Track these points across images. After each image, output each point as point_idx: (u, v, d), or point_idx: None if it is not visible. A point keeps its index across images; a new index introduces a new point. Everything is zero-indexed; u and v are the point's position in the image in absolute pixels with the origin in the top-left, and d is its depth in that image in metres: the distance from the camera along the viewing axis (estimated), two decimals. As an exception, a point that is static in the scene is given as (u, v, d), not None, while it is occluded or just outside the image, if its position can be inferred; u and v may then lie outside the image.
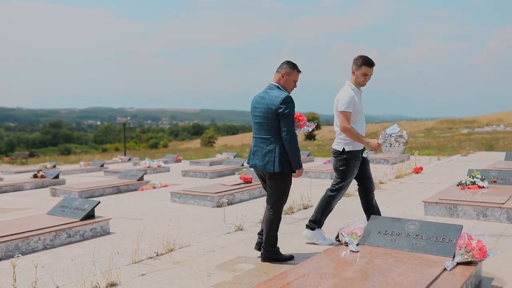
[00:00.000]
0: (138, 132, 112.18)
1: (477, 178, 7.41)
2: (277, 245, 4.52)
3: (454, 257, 3.58)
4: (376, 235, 4.09)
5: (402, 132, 4.70)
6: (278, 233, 4.45)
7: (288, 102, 4.29)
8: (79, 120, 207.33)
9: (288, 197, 4.55)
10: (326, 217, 5.01)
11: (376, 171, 12.12)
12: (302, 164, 4.43)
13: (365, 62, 4.70)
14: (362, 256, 3.78)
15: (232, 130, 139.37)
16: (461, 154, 17.79)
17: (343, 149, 4.80)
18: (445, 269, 3.42)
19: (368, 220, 4.36)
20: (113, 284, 3.94)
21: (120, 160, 24.82)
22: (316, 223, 4.96)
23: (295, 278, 3.32)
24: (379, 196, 8.44)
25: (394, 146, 4.64)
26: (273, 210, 4.44)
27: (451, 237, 3.77)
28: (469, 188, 7.22)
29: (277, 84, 4.45)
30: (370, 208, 4.98)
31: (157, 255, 4.82)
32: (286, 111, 4.25)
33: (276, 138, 4.31)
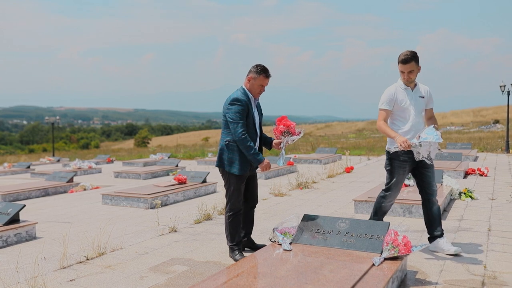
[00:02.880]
0: (68, 132, 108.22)
1: (404, 177, 7.76)
2: (235, 245, 4.53)
3: (381, 252, 3.74)
4: (308, 234, 4.18)
5: (427, 137, 4.33)
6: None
7: (233, 104, 4.35)
8: (3, 119, 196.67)
9: (237, 196, 4.51)
10: (382, 219, 4.91)
11: (309, 170, 12.40)
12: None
13: (400, 60, 4.63)
14: (295, 255, 3.86)
15: (167, 130, 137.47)
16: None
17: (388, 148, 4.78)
18: (373, 264, 3.57)
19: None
20: (39, 291, 3.76)
21: (48, 161, 23.74)
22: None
23: (229, 278, 3.33)
24: (311, 196, 8.64)
25: (422, 151, 4.37)
26: (226, 208, 4.59)
27: (379, 234, 3.94)
28: (396, 186, 7.54)
29: (243, 87, 4.48)
30: (430, 213, 4.89)
31: (87, 259, 4.66)
32: (229, 112, 4.34)
33: (224, 136, 4.47)
